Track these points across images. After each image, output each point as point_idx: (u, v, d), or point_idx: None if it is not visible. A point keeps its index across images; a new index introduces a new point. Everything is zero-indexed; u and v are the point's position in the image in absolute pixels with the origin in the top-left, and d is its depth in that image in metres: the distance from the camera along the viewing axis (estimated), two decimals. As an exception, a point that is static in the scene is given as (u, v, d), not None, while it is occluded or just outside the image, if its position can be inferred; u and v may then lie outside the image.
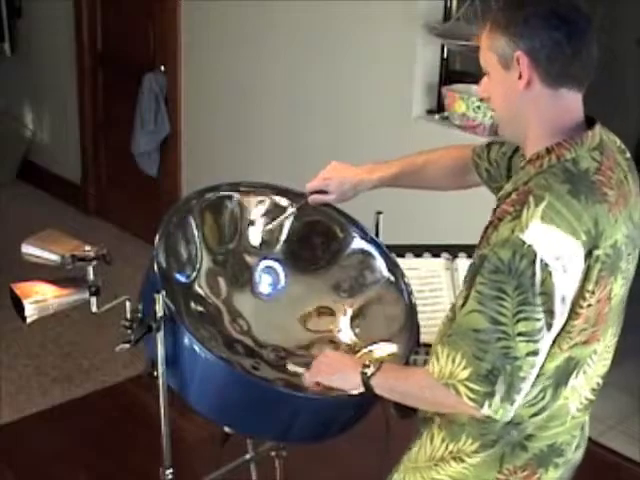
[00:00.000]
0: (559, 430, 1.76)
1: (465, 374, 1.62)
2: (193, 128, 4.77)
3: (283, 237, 2.33)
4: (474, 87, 3.41)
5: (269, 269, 2.29)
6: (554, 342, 1.64)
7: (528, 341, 1.58)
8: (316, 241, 2.33)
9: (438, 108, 3.68)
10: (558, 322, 1.61)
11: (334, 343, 2.19)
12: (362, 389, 1.82)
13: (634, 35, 5.87)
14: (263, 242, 2.31)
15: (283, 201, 2.33)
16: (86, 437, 3.53)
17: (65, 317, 4.09)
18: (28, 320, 2.03)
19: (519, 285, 1.56)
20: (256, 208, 2.31)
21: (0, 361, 3.96)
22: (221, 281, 2.24)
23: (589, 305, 1.64)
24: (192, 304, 2.15)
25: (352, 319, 2.24)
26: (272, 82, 4.26)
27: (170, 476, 2.15)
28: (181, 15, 4.62)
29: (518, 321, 1.57)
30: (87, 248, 2.07)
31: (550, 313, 1.58)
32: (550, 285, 1.56)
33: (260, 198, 2.32)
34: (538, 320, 1.58)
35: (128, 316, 2.00)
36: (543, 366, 1.65)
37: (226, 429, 2.22)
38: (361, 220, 2.33)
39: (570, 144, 1.65)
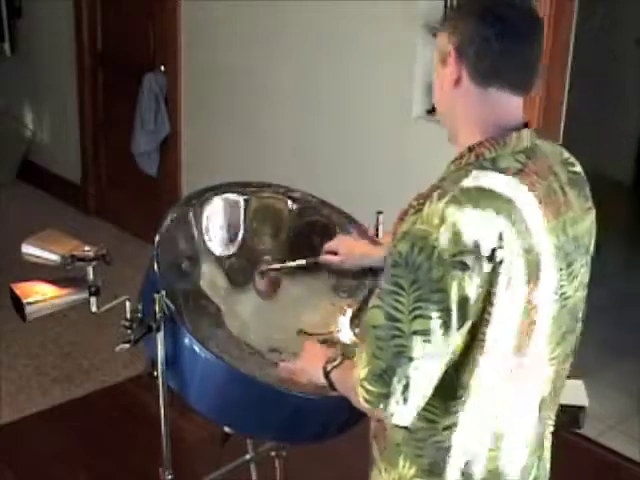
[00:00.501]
0: (499, 453, 1.65)
1: (363, 373, 1.57)
2: (193, 128, 4.77)
3: (283, 236, 2.33)
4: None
5: (269, 269, 2.29)
6: (468, 353, 1.55)
7: (424, 341, 1.50)
8: (316, 241, 2.33)
9: (438, 108, 3.68)
10: (461, 325, 1.51)
11: (334, 343, 2.18)
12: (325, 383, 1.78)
13: (634, 35, 5.87)
14: (263, 241, 2.31)
15: (283, 200, 2.33)
16: (86, 437, 3.53)
17: (65, 317, 4.09)
18: (28, 320, 2.03)
19: (415, 280, 1.49)
20: (256, 208, 2.31)
21: (0, 361, 3.96)
22: (221, 281, 2.25)
23: (501, 312, 1.53)
24: (192, 304, 2.15)
25: (352, 319, 2.24)
26: (272, 82, 4.26)
27: (170, 476, 2.15)
28: (181, 15, 4.62)
29: (414, 318, 1.49)
30: (87, 248, 2.08)
31: (447, 313, 1.49)
32: (447, 282, 1.48)
33: (260, 198, 2.32)
34: (435, 319, 1.49)
35: (128, 316, 2.00)
36: (461, 379, 1.57)
37: (226, 429, 2.22)
38: (361, 220, 2.33)
39: (492, 144, 1.59)
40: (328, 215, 2.34)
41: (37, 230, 2.15)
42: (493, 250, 1.49)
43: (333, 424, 2.04)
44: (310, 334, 2.18)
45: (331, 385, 1.77)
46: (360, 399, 1.59)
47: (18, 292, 2.03)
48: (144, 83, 4.75)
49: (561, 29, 3.30)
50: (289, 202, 2.33)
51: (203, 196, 2.24)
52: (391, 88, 3.76)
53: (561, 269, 1.62)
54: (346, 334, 2.21)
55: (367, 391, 1.57)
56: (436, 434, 1.61)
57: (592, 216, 1.73)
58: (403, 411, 1.56)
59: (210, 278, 2.22)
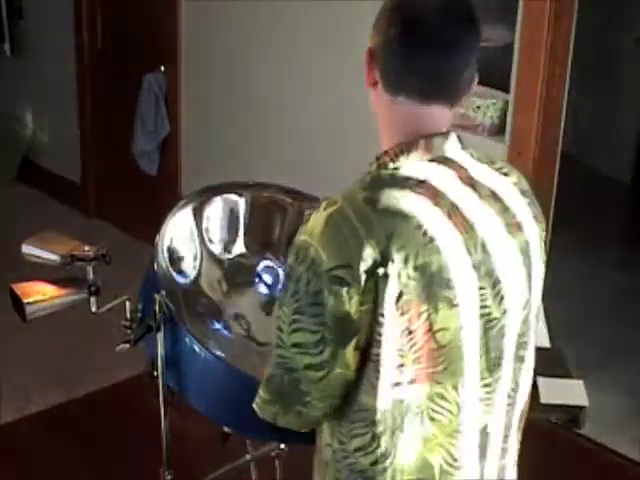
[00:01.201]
0: None
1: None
2: (193, 128, 4.77)
3: (284, 237, 2.33)
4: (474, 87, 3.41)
5: (269, 269, 2.29)
6: (364, 374, 1.48)
7: (303, 353, 1.47)
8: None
9: (438, 108, 3.68)
10: (343, 342, 1.45)
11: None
12: None
13: (634, 35, 5.87)
14: (263, 242, 2.31)
15: (284, 200, 2.33)
16: (86, 437, 3.52)
17: (65, 317, 4.08)
18: (28, 320, 2.03)
19: (295, 291, 1.45)
20: (256, 207, 2.31)
21: (0, 361, 3.96)
22: (221, 281, 2.24)
23: (393, 332, 1.43)
24: (192, 304, 2.15)
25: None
26: (272, 82, 4.27)
27: (170, 476, 2.15)
28: (181, 15, 4.62)
29: (293, 331, 1.46)
30: (86, 248, 2.08)
31: (326, 328, 1.44)
32: (324, 296, 1.42)
33: (260, 198, 2.32)
34: (313, 332, 1.45)
35: (128, 316, 2.00)
36: (362, 401, 1.49)
37: (226, 429, 2.22)
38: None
39: (396, 153, 1.51)
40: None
41: (37, 230, 2.15)
42: (375, 266, 1.41)
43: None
44: None
45: None
46: (254, 404, 1.60)
47: (18, 292, 2.03)
48: (144, 83, 4.75)
49: (561, 29, 3.30)
50: (289, 202, 2.33)
51: (203, 196, 2.24)
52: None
53: (483, 288, 1.50)
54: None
55: (259, 396, 1.59)
56: (348, 456, 1.56)
57: (529, 231, 1.59)
58: (288, 419, 1.57)
59: (210, 278, 2.22)
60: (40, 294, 2.04)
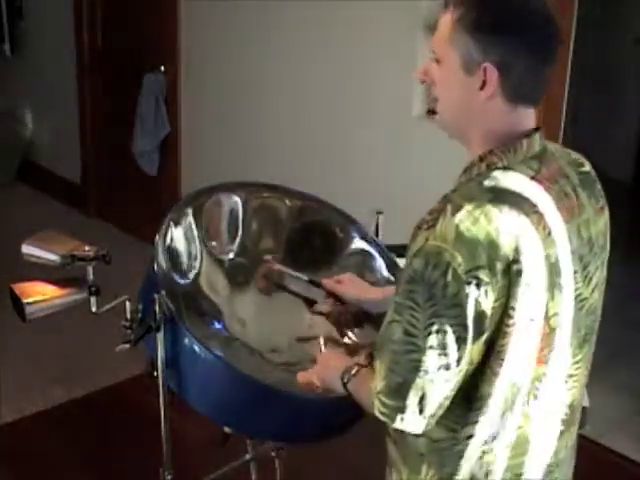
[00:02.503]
0: (521, 460, 1.66)
1: (380, 386, 1.59)
2: (193, 128, 4.77)
3: (283, 237, 2.33)
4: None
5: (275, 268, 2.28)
6: (486, 364, 1.56)
7: (440, 354, 1.52)
8: (316, 241, 2.33)
9: (438, 108, 3.67)
10: (476, 338, 1.52)
11: (333, 343, 2.18)
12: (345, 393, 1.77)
13: (634, 35, 5.87)
14: (263, 242, 2.31)
15: (283, 200, 2.33)
16: (86, 437, 3.52)
17: (65, 317, 4.08)
18: (28, 320, 2.03)
19: (431, 296, 1.49)
20: (256, 207, 2.31)
21: (0, 361, 3.96)
22: (221, 281, 2.24)
23: (519, 323, 1.53)
24: (192, 304, 2.15)
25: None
26: (272, 82, 4.27)
27: (170, 476, 2.15)
28: (181, 15, 4.63)
29: (429, 334, 1.51)
30: (87, 248, 2.08)
31: (463, 327, 1.50)
32: (462, 298, 1.48)
33: (260, 198, 2.32)
34: (452, 333, 1.50)
35: (128, 316, 2.00)
36: (480, 390, 1.58)
37: (226, 429, 2.22)
38: (361, 220, 2.33)
39: (503, 151, 1.59)
40: (328, 215, 2.34)
41: (37, 231, 2.15)
42: (509, 264, 1.50)
43: (333, 424, 2.03)
44: (305, 339, 2.18)
45: (350, 395, 1.75)
46: (376, 411, 1.60)
47: (18, 292, 2.03)
48: (144, 83, 4.76)
49: (561, 29, 3.29)
50: (289, 202, 2.33)
51: (203, 196, 2.24)
52: (391, 88, 3.76)
53: (576, 272, 1.62)
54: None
55: (383, 404, 1.59)
56: (457, 444, 1.62)
57: (605, 216, 1.72)
58: (419, 421, 1.59)
59: (210, 278, 2.22)
60: (40, 294, 2.04)
